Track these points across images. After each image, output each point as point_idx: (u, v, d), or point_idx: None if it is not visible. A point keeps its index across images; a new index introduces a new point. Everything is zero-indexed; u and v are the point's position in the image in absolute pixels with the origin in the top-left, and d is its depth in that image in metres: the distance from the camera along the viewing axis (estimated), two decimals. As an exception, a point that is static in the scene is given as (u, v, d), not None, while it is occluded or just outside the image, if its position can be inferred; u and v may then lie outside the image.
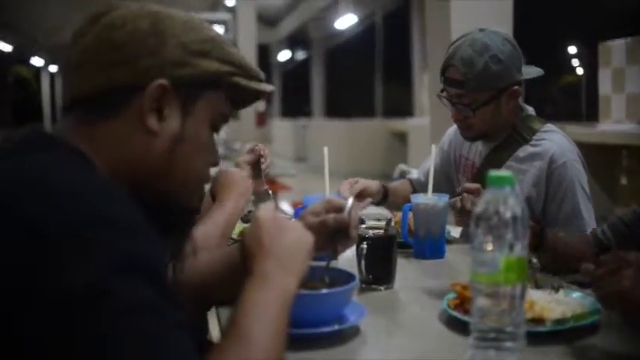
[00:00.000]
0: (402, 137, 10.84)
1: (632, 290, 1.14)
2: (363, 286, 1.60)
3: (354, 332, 1.29)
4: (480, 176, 2.25)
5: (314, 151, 13.78)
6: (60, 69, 1.22)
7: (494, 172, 1.06)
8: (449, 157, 2.51)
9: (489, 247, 1.04)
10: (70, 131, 1.03)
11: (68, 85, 1.06)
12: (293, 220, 1.20)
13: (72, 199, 0.87)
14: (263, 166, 2.14)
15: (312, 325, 1.24)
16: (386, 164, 11.32)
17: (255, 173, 2.11)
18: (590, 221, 2.08)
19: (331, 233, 1.32)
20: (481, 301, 1.06)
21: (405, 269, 1.74)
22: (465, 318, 1.29)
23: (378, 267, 1.62)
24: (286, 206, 2.45)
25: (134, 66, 1.03)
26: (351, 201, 1.36)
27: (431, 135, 4.09)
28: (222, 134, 10.51)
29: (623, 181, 4.52)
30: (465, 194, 1.92)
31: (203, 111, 1.10)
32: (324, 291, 1.27)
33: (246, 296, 1.01)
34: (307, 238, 1.14)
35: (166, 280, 0.89)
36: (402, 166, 2.86)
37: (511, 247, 1.03)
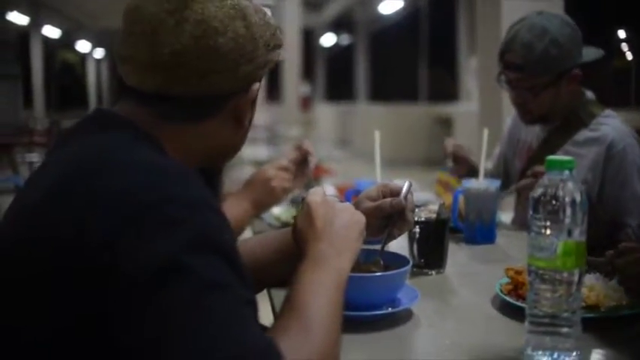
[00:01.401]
0: (446, 122, 10.78)
1: None
2: (415, 270, 1.60)
3: (406, 315, 1.29)
4: (535, 159, 2.23)
5: (358, 136, 13.76)
6: (120, 53, 1.17)
7: (553, 157, 1.05)
8: (509, 141, 2.50)
9: (547, 231, 1.03)
10: (141, 118, 1.05)
11: (144, 75, 1.05)
12: (344, 202, 1.21)
13: (152, 178, 0.91)
14: (311, 165, 2.12)
15: (366, 307, 1.25)
16: (430, 150, 11.27)
17: (301, 171, 2.10)
18: None
19: (387, 217, 1.33)
20: (537, 286, 1.06)
21: (456, 254, 1.74)
22: (519, 303, 1.29)
23: (430, 251, 1.62)
24: (331, 189, 2.44)
25: (235, 73, 1.06)
26: (407, 185, 1.36)
27: (480, 120, 4.06)
28: (267, 118, 10.57)
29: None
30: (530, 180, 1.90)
31: (257, 92, 1.13)
32: (379, 274, 1.28)
33: (302, 277, 1.03)
34: (359, 219, 1.16)
35: (239, 258, 0.91)
36: (449, 141, 2.83)
37: (569, 232, 1.03)
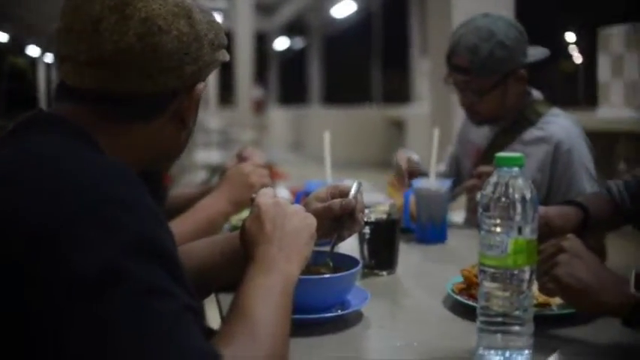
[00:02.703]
0: (400, 124, 10.82)
1: (566, 277, 1.11)
2: (365, 271, 1.58)
3: (357, 317, 1.27)
4: (484, 159, 2.24)
5: (311, 139, 13.76)
6: (59, 51, 1.12)
7: (502, 154, 1.04)
8: (460, 142, 2.51)
9: (497, 229, 1.02)
10: (80, 118, 1.00)
11: (84, 74, 1.00)
12: (294, 204, 1.18)
13: (89, 178, 0.87)
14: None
15: (315, 310, 1.22)
16: (384, 152, 11.31)
17: None
18: None
19: (337, 218, 1.31)
20: (488, 285, 1.04)
21: (408, 254, 1.72)
22: (470, 302, 1.28)
23: (381, 252, 1.60)
24: (285, 192, 2.41)
25: (180, 72, 1.03)
26: (356, 185, 1.34)
27: (431, 120, 4.07)
28: (219, 122, 10.51)
29: (621, 167, 4.50)
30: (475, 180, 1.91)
31: (201, 92, 1.10)
32: (327, 276, 1.25)
33: (250, 281, 1.00)
34: (310, 222, 1.13)
35: (179, 263, 0.88)
36: (403, 152, 2.82)
37: (520, 230, 1.01)
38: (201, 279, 1.38)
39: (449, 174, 2.47)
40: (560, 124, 2.14)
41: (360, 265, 1.29)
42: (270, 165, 2.40)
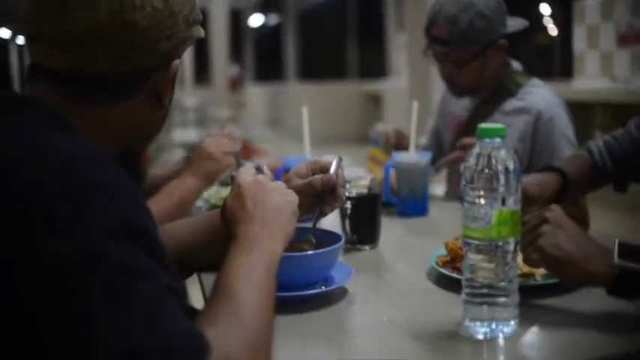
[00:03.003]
0: (377, 99, 10.80)
1: (550, 248, 1.10)
2: (348, 246, 1.57)
3: (341, 293, 1.26)
4: (465, 131, 2.23)
5: (289, 115, 13.71)
6: (27, 30, 1.09)
7: (484, 125, 1.03)
8: (440, 114, 2.50)
9: (481, 200, 1.01)
10: (52, 100, 0.97)
11: (55, 54, 0.97)
12: (275, 181, 1.16)
13: (65, 162, 0.85)
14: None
15: (299, 287, 1.21)
16: (361, 126, 11.29)
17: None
18: None
19: (318, 194, 1.29)
20: (473, 257, 1.04)
21: (389, 228, 1.71)
22: (455, 275, 1.27)
23: (363, 226, 1.59)
24: (267, 169, 2.39)
25: (155, 50, 1.00)
26: (336, 160, 1.32)
27: (409, 94, 4.07)
28: (196, 100, 10.43)
29: (598, 137, 4.51)
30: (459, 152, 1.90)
31: (177, 69, 1.07)
32: (310, 252, 1.24)
33: (232, 261, 0.98)
34: (291, 199, 1.12)
35: (160, 244, 0.86)
36: (380, 127, 2.80)
37: (503, 201, 1.01)
38: (183, 259, 1.37)
39: (430, 147, 2.47)
40: (540, 95, 2.14)
41: (343, 241, 1.28)
42: (246, 142, 2.37)
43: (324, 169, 1.33)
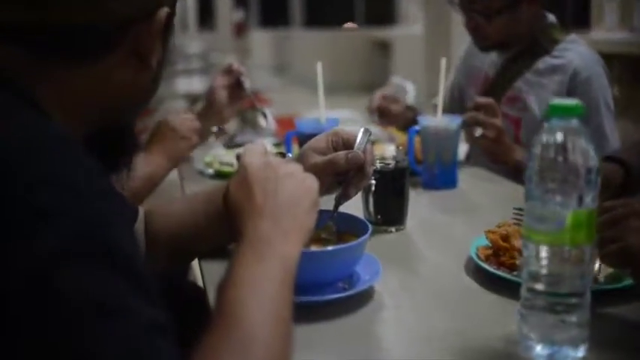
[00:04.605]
0: (385, 47, 10.49)
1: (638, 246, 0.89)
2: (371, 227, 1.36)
3: (366, 294, 1.05)
4: (492, 89, 2.02)
5: (295, 62, 13.45)
6: None
7: (557, 101, 0.81)
8: (463, 68, 2.27)
9: (552, 198, 0.80)
10: (8, 66, 0.76)
11: (5, 3, 0.76)
12: (289, 161, 0.95)
13: (18, 154, 0.64)
14: (246, 85, 1.91)
15: (317, 289, 1.01)
16: (369, 75, 11.02)
17: (235, 95, 1.91)
18: (613, 141, 1.88)
19: (341, 173, 1.09)
20: (538, 265, 0.83)
21: (415, 204, 1.48)
22: (501, 273, 1.07)
23: (389, 206, 1.38)
24: (270, 121, 2.20)
25: None
26: (362, 133, 1.12)
27: (425, 44, 3.81)
28: (199, 46, 10.17)
29: (616, 91, 4.29)
30: (474, 113, 1.71)
31: (164, 21, 0.85)
32: (331, 248, 1.02)
33: (239, 270, 0.78)
34: (309, 185, 0.90)
35: (137, 260, 0.66)
36: (396, 80, 2.59)
37: (580, 200, 0.80)
38: (182, 245, 1.20)
39: (447, 107, 2.26)
40: (578, 52, 1.93)
41: (370, 231, 1.07)
42: (255, 93, 2.25)
43: (348, 144, 1.12)
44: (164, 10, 0.84)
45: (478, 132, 1.74)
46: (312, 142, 1.15)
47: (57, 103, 0.78)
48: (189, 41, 11.11)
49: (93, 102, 0.83)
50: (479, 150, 2.01)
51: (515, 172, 1.82)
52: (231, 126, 2.39)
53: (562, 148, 0.79)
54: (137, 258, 0.66)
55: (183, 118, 1.71)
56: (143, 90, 0.90)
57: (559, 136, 0.79)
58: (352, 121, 3.79)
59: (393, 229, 1.38)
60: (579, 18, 5.75)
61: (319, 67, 1.71)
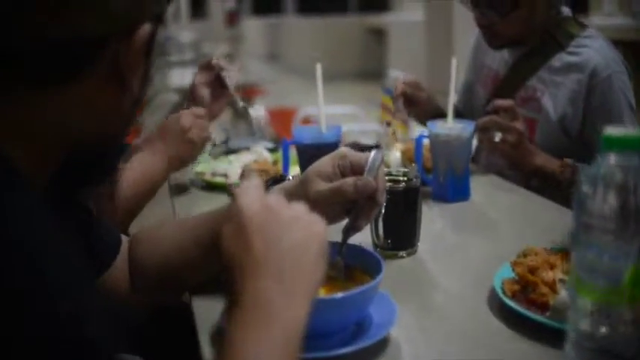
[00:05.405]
0: (379, 34, 10.32)
1: None
2: (379, 251, 1.24)
3: (381, 343, 0.92)
4: (503, 89, 1.89)
5: (288, 50, 13.32)
6: None
7: (611, 131, 0.68)
8: (473, 65, 2.13)
9: (608, 248, 0.67)
10: None
11: None
12: (292, 198, 0.80)
13: None
14: (228, 81, 1.74)
15: (323, 338, 0.87)
16: (363, 62, 10.88)
17: (218, 92, 1.74)
18: None
19: (349, 201, 0.97)
20: (587, 323, 0.71)
21: (425, 218, 1.33)
22: (533, 315, 0.94)
23: (400, 229, 1.24)
24: (261, 112, 2.07)
25: (106, 9, 0.67)
26: (374, 154, 0.99)
27: (427, 36, 3.67)
28: (191, 36, 10.02)
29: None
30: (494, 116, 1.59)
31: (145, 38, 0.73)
32: (340, 295, 0.88)
33: (237, 336, 0.65)
34: (318, 232, 0.74)
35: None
36: (394, 74, 2.45)
37: (643, 250, 0.67)
38: (171, 274, 1.09)
39: (462, 109, 2.12)
40: (596, 49, 1.79)
41: (383, 270, 0.94)
42: (246, 87, 2.11)
43: (357, 168, 0.99)
44: (146, 27, 0.71)
45: (498, 136, 1.61)
46: (316, 166, 1.02)
47: (14, 135, 0.66)
48: (181, 31, 10.93)
49: (58, 132, 0.71)
50: (488, 152, 1.89)
51: (535, 179, 1.70)
52: (223, 125, 2.26)
53: (620, 189, 0.66)
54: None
55: (196, 120, 1.57)
56: (121, 117, 0.77)
57: (618, 176, 0.66)
58: (353, 117, 3.68)
59: (405, 254, 1.24)
60: (577, 3, 5.64)
61: (318, 68, 1.56)
